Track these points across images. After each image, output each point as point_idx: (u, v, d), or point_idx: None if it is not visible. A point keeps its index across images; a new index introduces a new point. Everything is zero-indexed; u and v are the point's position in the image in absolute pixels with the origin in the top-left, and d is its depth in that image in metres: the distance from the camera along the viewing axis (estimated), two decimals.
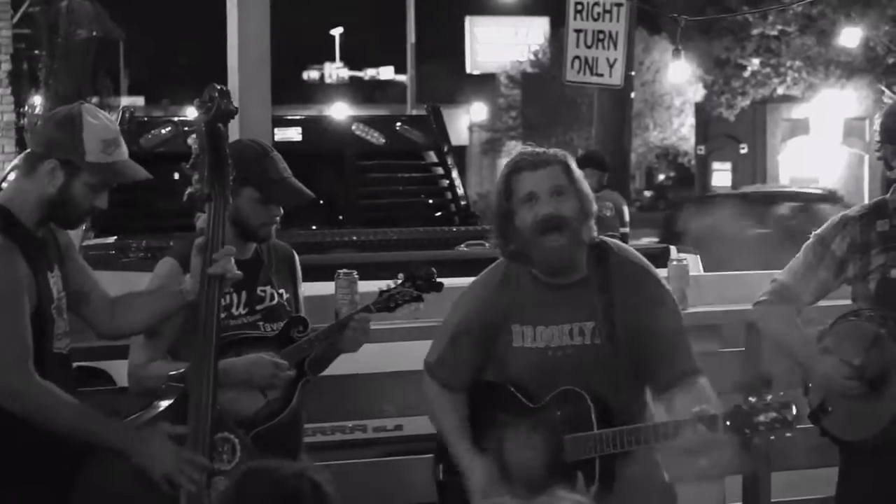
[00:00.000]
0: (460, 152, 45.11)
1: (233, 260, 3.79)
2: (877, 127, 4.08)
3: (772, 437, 3.35)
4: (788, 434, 3.34)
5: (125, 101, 45.97)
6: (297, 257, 4.45)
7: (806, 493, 5.68)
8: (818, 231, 4.17)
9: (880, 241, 3.99)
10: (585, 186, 3.78)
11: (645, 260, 3.88)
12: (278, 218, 4.23)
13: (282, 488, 2.23)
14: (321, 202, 9.29)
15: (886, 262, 3.95)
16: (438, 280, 4.41)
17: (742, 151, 32.12)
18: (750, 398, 3.37)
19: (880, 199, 4.09)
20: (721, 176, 32.97)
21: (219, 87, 3.78)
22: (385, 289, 4.41)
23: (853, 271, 4.04)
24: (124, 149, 3.81)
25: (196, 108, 3.81)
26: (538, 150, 3.83)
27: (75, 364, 3.99)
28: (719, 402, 3.60)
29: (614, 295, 3.72)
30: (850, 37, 9.73)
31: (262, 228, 4.19)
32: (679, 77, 11.57)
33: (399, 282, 4.41)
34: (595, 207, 3.79)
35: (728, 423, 3.37)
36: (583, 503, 2.01)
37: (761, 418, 3.32)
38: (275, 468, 2.31)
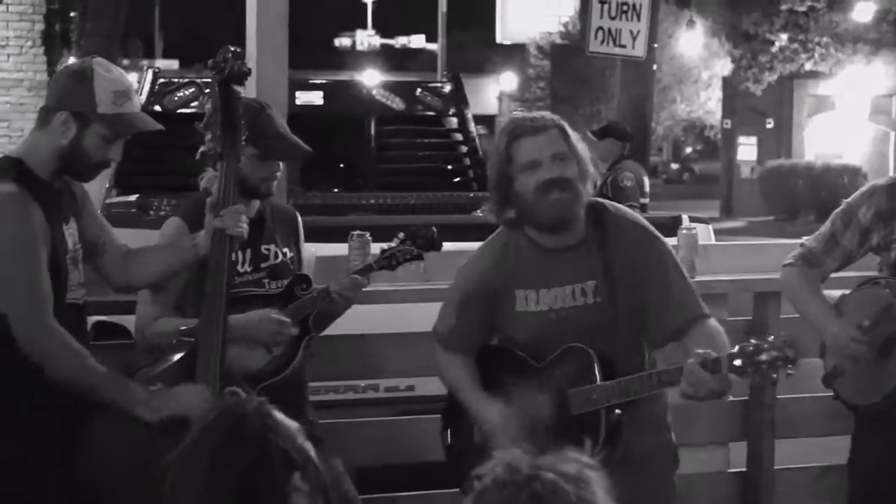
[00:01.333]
0: (490, 121, 45.07)
1: (244, 218, 3.88)
2: None
3: (774, 375, 3.36)
4: (791, 371, 3.32)
5: (160, 63, 46.07)
6: (300, 218, 4.53)
7: (809, 461, 5.74)
8: (847, 200, 4.21)
9: None
10: (582, 148, 3.82)
11: (640, 217, 3.94)
12: (278, 174, 4.30)
13: (227, 419, 2.28)
14: (341, 166, 9.39)
15: None
16: (438, 238, 4.50)
17: (768, 126, 31.95)
18: (752, 339, 3.39)
19: None
20: (746, 150, 32.80)
21: (232, 49, 3.85)
22: (386, 248, 4.51)
23: (877, 240, 4.07)
24: (136, 101, 3.87)
25: (209, 68, 3.88)
26: (534, 114, 3.87)
27: (95, 318, 4.08)
28: (728, 342, 3.62)
29: (612, 253, 3.77)
30: (863, 12, 9.70)
31: (263, 184, 4.25)
32: (692, 48, 11.56)
33: (399, 241, 4.50)
34: (592, 170, 3.83)
35: (732, 363, 3.38)
36: (590, 465, 2.06)
37: (764, 357, 3.32)
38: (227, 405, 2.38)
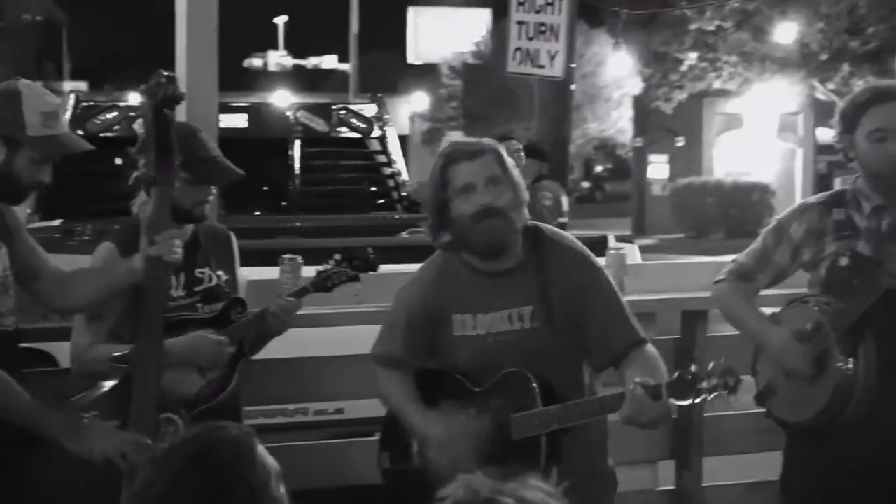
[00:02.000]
0: (402, 141, 45.00)
1: (177, 242, 3.85)
2: (836, 117, 4.11)
3: (714, 403, 3.40)
4: (732, 398, 3.37)
5: (68, 85, 45.38)
6: (234, 239, 4.50)
7: (737, 478, 5.80)
8: (779, 216, 4.25)
9: (835, 229, 4.04)
10: (517, 174, 3.84)
11: (578, 242, 3.94)
12: (211, 197, 4.27)
13: (200, 442, 2.24)
14: (265, 188, 9.35)
15: (838, 249, 4.01)
16: (374, 259, 4.50)
17: (678, 144, 32.33)
18: (693, 367, 3.42)
19: (840, 189, 4.15)
20: (657, 168, 33.19)
21: (165, 73, 3.83)
22: (322, 269, 4.49)
23: (807, 257, 4.09)
24: (64, 121, 3.84)
25: (142, 93, 3.85)
26: (470, 140, 3.89)
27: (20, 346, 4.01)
28: (665, 369, 3.67)
29: (550, 278, 3.78)
30: (785, 33, 9.86)
31: (196, 208, 4.22)
32: (620, 70, 11.70)
33: (335, 263, 4.48)
34: (527, 195, 3.85)
35: (672, 390, 3.41)
36: (553, 494, 2.04)
37: (704, 384, 3.35)
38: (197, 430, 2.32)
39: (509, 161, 3.84)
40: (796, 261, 4.14)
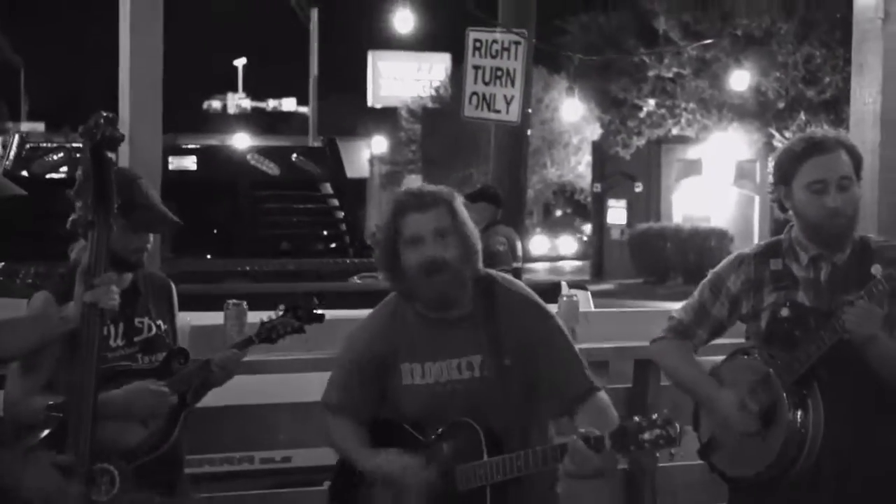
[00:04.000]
0: (361, 185, 45.11)
1: (115, 288, 3.75)
2: (770, 169, 4.13)
3: (657, 454, 3.39)
4: (673, 451, 3.38)
5: (25, 126, 45.26)
6: (174, 287, 4.41)
7: None
8: (715, 269, 4.21)
9: (773, 279, 4.02)
10: (469, 226, 3.81)
11: (530, 290, 3.92)
12: (149, 245, 4.18)
13: None
14: (214, 231, 9.26)
15: (777, 300, 3.98)
16: (320, 311, 4.42)
17: (637, 190, 32.48)
18: (635, 418, 3.39)
19: (775, 239, 4.13)
20: (616, 213, 33.31)
21: (105, 114, 3.75)
22: (266, 320, 4.40)
23: (746, 308, 4.06)
24: None
25: (80, 134, 3.77)
26: (424, 189, 3.86)
27: None
28: (617, 416, 3.65)
29: (501, 327, 3.76)
30: (740, 80, 9.92)
31: (134, 255, 4.12)
32: (573, 115, 11.70)
33: (280, 313, 4.40)
34: (479, 245, 3.83)
35: (614, 441, 3.39)
36: None
37: (646, 436, 3.33)
38: None
39: (462, 213, 3.81)
40: (735, 313, 4.11)
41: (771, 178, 4.08)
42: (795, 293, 3.98)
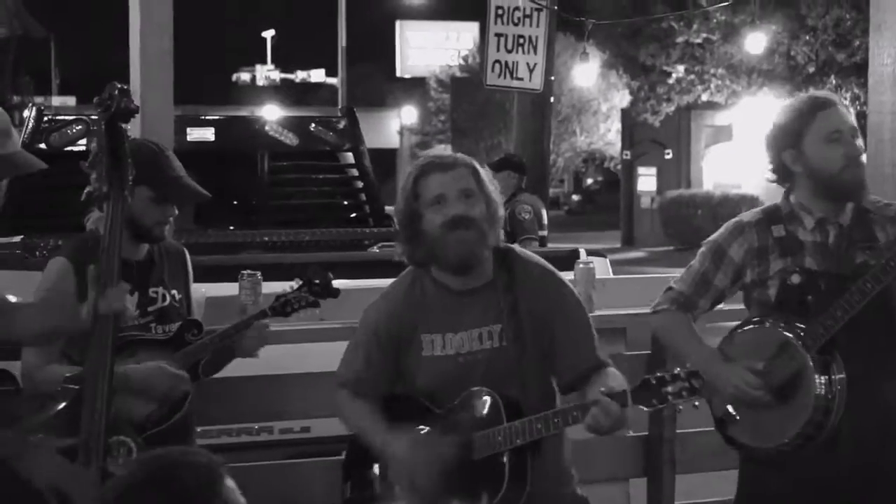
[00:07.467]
0: (390, 155, 45.09)
1: (128, 296, 3.71)
2: (770, 140, 4.09)
3: (680, 407, 3.35)
4: (696, 403, 3.33)
5: (56, 100, 45.37)
6: (188, 256, 4.41)
7: (710, 496, 5.72)
8: (712, 238, 4.16)
9: (777, 246, 3.98)
10: (494, 192, 3.77)
11: (547, 263, 3.88)
12: (172, 218, 4.19)
13: (160, 461, 2.16)
14: (234, 203, 9.26)
15: (785, 267, 3.94)
16: (335, 286, 4.41)
17: (667, 157, 32.34)
18: (657, 372, 3.36)
19: (772, 205, 4.10)
20: (646, 181, 33.17)
21: (118, 86, 3.74)
22: (281, 293, 4.40)
23: (751, 277, 4.02)
24: (16, 139, 3.74)
25: (95, 106, 3.76)
26: (445, 153, 3.84)
27: None
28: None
29: (519, 297, 3.73)
30: (755, 42, 9.79)
31: (156, 228, 4.14)
32: (586, 80, 11.63)
33: (295, 287, 4.39)
34: (502, 213, 3.79)
35: (636, 396, 3.36)
36: None
37: (669, 388, 3.30)
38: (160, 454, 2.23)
39: (486, 178, 3.77)
40: (738, 282, 4.07)
41: (771, 149, 4.04)
42: (803, 259, 3.95)
